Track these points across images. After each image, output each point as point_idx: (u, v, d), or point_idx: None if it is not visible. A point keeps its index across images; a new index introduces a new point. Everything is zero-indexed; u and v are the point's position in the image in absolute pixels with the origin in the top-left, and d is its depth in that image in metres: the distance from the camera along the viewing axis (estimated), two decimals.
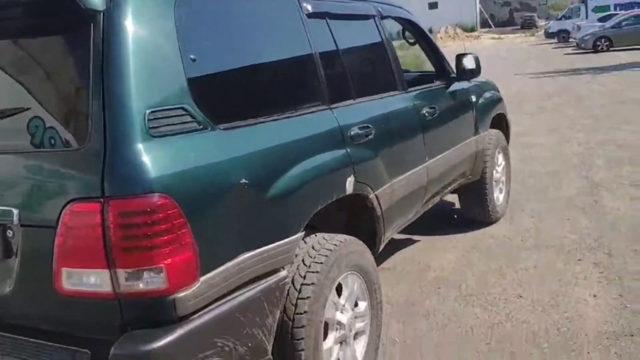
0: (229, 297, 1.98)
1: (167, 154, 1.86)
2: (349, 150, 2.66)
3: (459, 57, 4.05)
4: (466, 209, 4.83)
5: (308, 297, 2.30)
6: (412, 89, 3.54)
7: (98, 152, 1.80)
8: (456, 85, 4.11)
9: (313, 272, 2.35)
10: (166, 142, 1.88)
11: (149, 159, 1.80)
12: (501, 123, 5.06)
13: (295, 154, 2.33)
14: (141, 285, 1.78)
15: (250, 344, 2.06)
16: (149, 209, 1.76)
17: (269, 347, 2.17)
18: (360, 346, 2.72)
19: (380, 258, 4.27)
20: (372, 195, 2.83)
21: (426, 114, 3.50)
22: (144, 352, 1.70)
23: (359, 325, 2.70)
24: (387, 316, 3.37)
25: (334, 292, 2.48)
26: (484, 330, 3.19)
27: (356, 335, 2.71)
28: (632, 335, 2.98)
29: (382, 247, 3.09)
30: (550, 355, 2.91)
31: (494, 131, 4.78)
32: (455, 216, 5.12)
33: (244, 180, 2.02)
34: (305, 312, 2.28)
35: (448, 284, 3.80)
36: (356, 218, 2.95)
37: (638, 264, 3.80)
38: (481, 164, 4.50)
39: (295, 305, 2.28)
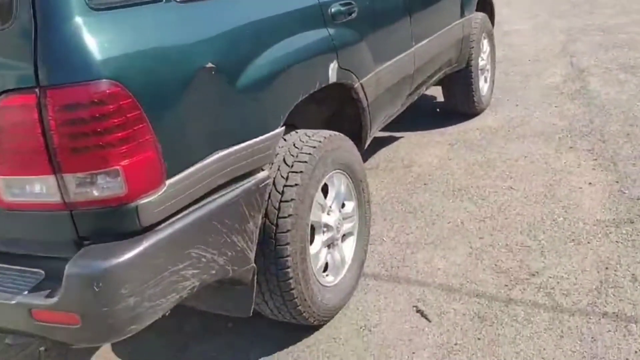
0: (202, 203, 1.70)
1: (114, 30, 1.51)
2: (330, 30, 2.32)
3: None
4: (450, 100, 4.55)
5: (292, 200, 2.04)
6: None
7: (27, 31, 1.44)
8: None
9: (296, 172, 2.08)
10: (112, 16, 1.52)
11: (91, 36, 1.45)
12: (485, 6, 4.70)
13: (270, 34, 1.99)
14: (95, 192, 1.49)
15: (230, 253, 1.81)
16: (96, 99, 1.43)
17: (252, 255, 1.93)
18: (348, 248, 2.52)
19: (362, 157, 4.06)
20: (357, 85, 2.52)
21: None
22: (102, 269, 1.43)
23: (347, 226, 2.48)
24: (373, 215, 3.18)
25: (319, 192, 2.23)
26: (476, 224, 3.02)
27: (344, 237, 2.50)
28: (632, 222, 2.84)
29: (368, 143, 2.82)
30: (548, 246, 2.75)
31: (480, 14, 4.42)
32: (438, 110, 4.86)
33: (210, 65, 1.69)
34: (289, 215, 2.03)
35: (434, 179, 3.59)
36: (340, 111, 2.66)
37: (632, 148, 3.62)
38: (467, 50, 4.18)
39: (279, 209, 2.03)
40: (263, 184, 1.92)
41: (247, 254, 1.90)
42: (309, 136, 2.21)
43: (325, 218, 2.30)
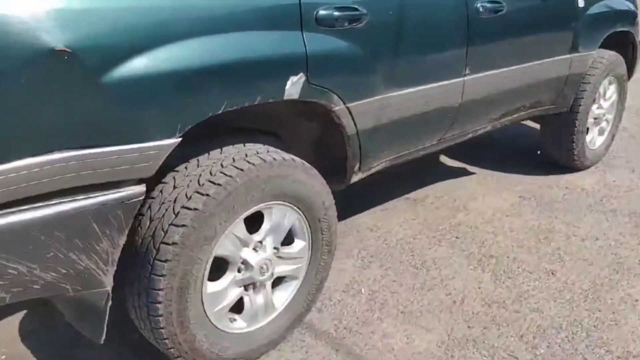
0: (18, 207, 1.43)
1: None
2: (306, 37, 1.89)
3: None
4: (544, 145, 3.82)
5: (184, 226, 1.70)
6: None
7: None
8: None
9: (202, 194, 1.73)
10: None
11: None
12: (625, 45, 3.84)
13: (186, 23, 1.61)
14: None
15: (65, 271, 1.54)
16: None
17: (106, 279, 1.63)
18: (284, 294, 2.13)
19: (414, 184, 3.53)
20: (339, 108, 2.07)
21: (480, 9, 2.54)
22: None
23: (285, 268, 2.09)
24: (377, 255, 2.74)
25: (239, 224, 1.86)
26: (476, 307, 2.44)
27: (282, 280, 2.12)
28: None
29: (358, 177, 2.36)
30: None
31: (609, 53, 3.61)
32: (539, 152, 4.12)
33: (61, 47, 1.38)
34: (173, 243, 1.70)
35: (470, 235, 3.01)
36: (328, 134, 2.23)
37: None
38: (573, 92, 3.43)
39: (166, 232, 1.70)
40: (133, 200, 1.60)
41: (96, 276, 1.61)
42: (242, 156, 1.84)
43: (245, 254, 1.93)
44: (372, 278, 2.62)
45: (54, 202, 1.47)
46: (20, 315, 2.33)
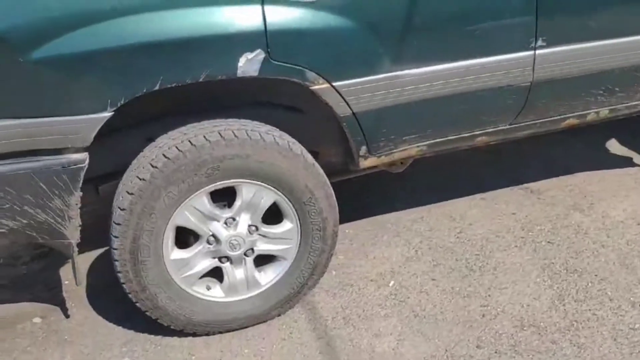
0: None
1: None
2: (267, 9, 1.80)
3: None
4: None
5: (132, 194, 1.85)
6: None
7: None
8: None
9: (153, 166, 1.85)
10: None
11: None
12: None
13: None
14: None
15: (25, 221, 1.82)
16: None
17: (67, 232, 1.88)
18: (270, 272, 2.14)
19: (545, 170, 3.03)
20: (321, 87, 1.92)
21: None
22: None
23: (269, 247, 2.09)
24: (428, 249, 2.51)
25: (200, 197, 1.93)
26: (508, 336, 2.07)
27: (273, 259, 2.12)
28: None
29: (372, 161, 2.17)
30: None
31: None
32: None
33: None
34: (123, 209, 1.86)
35: (563, 242, 2.49)
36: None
37: None
38: None
39: (122, 198, 1.88)
40: (74, 166, 1.79)
41: (57, 229, 1.87)
42: (204, 132, 1.89)
43: (214, 228, 1.99)
44: (412, 272, 2.40)
45: (4, 162, 1.74)
46: None
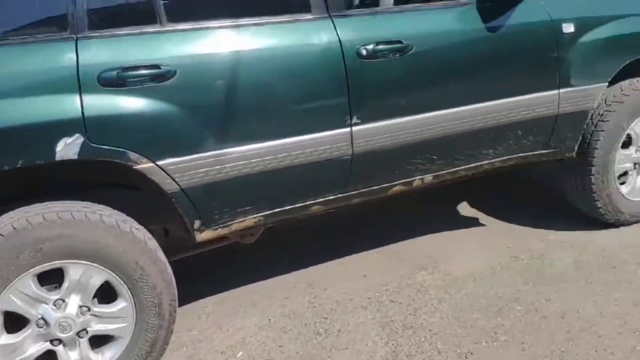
0: None
1: None
2: (85, 98, 1.92)
3: None
4: (565, 193, 3.19)
5: None
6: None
7: None
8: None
9: None
10: None
11: None
12: None
13: None
14: None
15: None
16: None
17: None
18: (111, 351, 2.14)
19: (397, 233, 3.22)
20: (145, 166, 2.04)
21: (363, 52, 2.29)
22: None
23: (105, 327, 2.10)
24: (271, 319, 2.58)
25: (25, 281, 1.94)
26: None
27: (111, 338, 2.13)
28: None
29: (208, 234, 2.27)
30: None
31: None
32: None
33: None
34: None
35: (404, 301, 2.65)
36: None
37: None
38: (575, 134, 2.85)
39: None
40: None
41: None
42: (26, 215, 1.93)
43: (43, 311, 2.00)
44: (262, 341, 2.47)
45: None
46: None
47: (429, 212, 3.49)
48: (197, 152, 2.10)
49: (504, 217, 3.35)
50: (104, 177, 2.20)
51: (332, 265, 3.02)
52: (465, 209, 3.57)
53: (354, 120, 2.32)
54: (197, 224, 2.22)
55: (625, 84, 2.88)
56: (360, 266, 2.98)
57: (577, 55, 2.69)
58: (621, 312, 2.43)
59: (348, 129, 2.32)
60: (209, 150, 2.12)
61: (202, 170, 2.12)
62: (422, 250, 3.09)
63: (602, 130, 2.86)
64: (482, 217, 3.43)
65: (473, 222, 3.38)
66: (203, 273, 2.97)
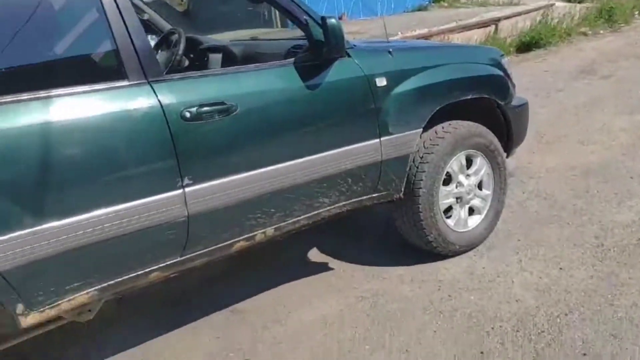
0: None
1: None
2: None
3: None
4: (401, 230, 3.40)
5: None
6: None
7: None
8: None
9: None
10: None
11: None
12: (491, 112, 3.46)
13: None
14: None
15: None
16: None
17: None
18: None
19: (243, 293, 3.20)
20: None
21: (186, 115, 2.32)
22: None
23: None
24: None
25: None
26: None
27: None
28: None
29: (34, 318, 2.13)
30: None
31: (457, 125, 3.23)
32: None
33: None
34: None
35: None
36: None
37: None
38: (400, 177, 3.07)
39: None
40: None
41: None
42: None
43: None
44: None
45: None
46: None
47: (278, 264, 3.54)
48: (12, 231, 1.98)
49: (350, 258, 3.47)
50: None
51: (182, 331, 2.93)
52: (315, 255, 3.66)
53: (186, 181, 2.33)
54: (19, 308, 2.07)
55: (439, 128, 3.17)
56: (212, 329, 2.93)
57: (391, 105, 2.92)
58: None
59: (180, 191, 2.32)
60: (25, 228, 2.00)
61: (17, 250, 2.00)
62: (273, 303, 3.11)
63: (424, 171, 3.11)
64: (331, 260, 3.53)
65: (323, 268, 3.47)
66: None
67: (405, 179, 3.09)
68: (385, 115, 2.92)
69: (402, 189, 3.10)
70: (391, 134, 2.95)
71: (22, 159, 2.01)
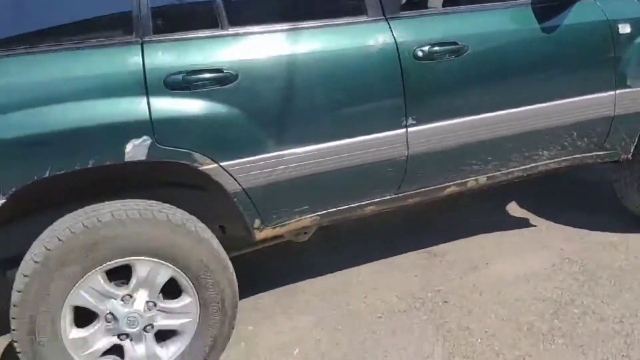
0: None
1: None
2: (152, 101, 1.99)
3: None
4: (621, 194, 3.14)
5: (26, 276, 1.95)
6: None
7: None
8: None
9: (46, 248, 1.95)
10: None
11: None
12: None
13: None
14: None
15: None
16: None
17: None
18: (175, 346, 2.21)
19: (445, 234, 3.22)
20: (210, 167, 2.10)
21: (419, 54, 2.31)
22: None
23: (169, 322, 2.17)
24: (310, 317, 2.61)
25: (95, 278, 2.02)
26: None
27: (175, 333, 2.20)
28: None
29: (266, 232, 2.32)
30: None
31: None
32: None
33: None
34: (18, 290, 1.95)
35: (451, 304, 2.65)
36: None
37: None
38: (631, 136, 2.81)
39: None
40: None
41: None
42: (95, 214, 2.01)
43: (111, 306, 2.07)
44: (317, 338, 2.51)
45: None
46: None
47: (478, 213, 3.48)
48: (257, 154, 2.15)
49: (555, 217, 3.32)
50: (169, 176, 2.26)
51: (383, 265, 3.03)
52: (515, 209, 3.54)
53: (410, 121, 2.34)
54: (257, 223, 2.27)
55: None
56: (410, 267, 2.99)
57: (634, 55, 2.66)
58: None
59: (403, 130, 2.34)
60: (270, 152, 2.17)
61: (263, 171, 2.17)
62: (472, 251, 3.08)
63: None
64: (533, 217, 3.40)
65: (524, 223, 3.35)
66: (257, 268, 3.03)
67: (637, 139, 2.81)
68: (625, 66, 2.66)
69: (632, 150, 2.83)
70: (629, 86, 2.70)
71: (270, 89, 2.15)
